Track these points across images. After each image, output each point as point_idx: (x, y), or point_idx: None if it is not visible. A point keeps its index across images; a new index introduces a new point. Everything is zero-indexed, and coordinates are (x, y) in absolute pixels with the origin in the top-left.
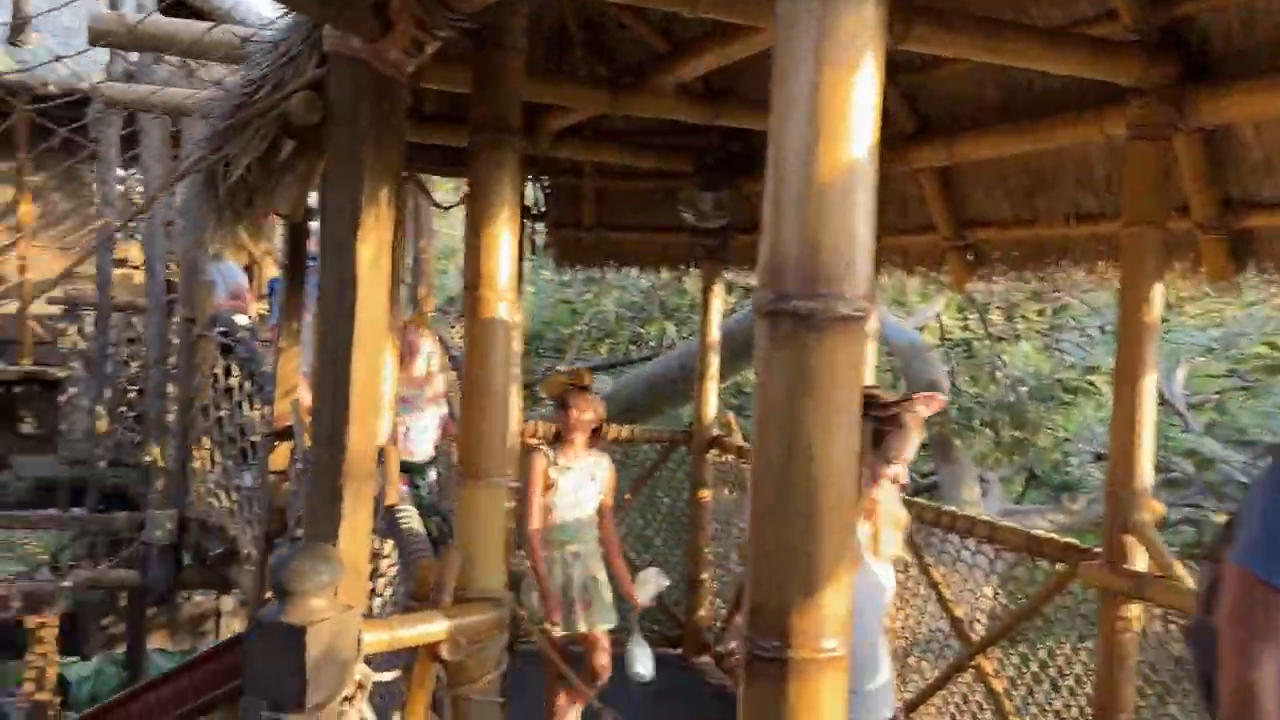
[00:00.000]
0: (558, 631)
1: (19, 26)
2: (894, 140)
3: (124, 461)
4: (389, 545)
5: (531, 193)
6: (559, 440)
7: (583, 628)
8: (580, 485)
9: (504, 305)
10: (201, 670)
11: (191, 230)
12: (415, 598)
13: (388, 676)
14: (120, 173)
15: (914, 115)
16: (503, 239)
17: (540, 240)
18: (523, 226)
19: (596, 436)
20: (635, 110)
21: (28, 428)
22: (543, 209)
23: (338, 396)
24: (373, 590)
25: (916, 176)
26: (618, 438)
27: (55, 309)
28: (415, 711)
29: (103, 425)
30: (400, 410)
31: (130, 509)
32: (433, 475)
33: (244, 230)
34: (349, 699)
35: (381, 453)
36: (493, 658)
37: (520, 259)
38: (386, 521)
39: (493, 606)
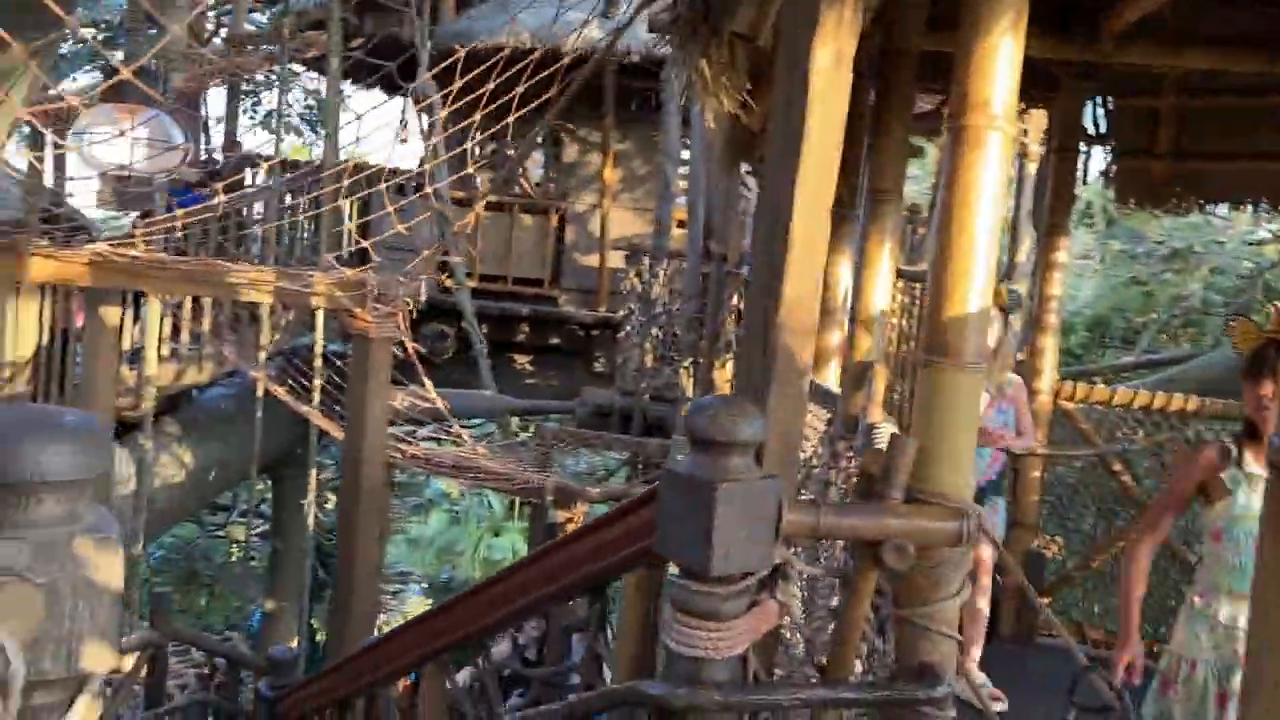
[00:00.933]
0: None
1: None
2: None
3: (663, 396)
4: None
5: (1091, 114)
6: (1250, 436)
7: None
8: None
9: (997, 137)
10: (622, 523)
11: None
12: (858, 494)
13: (815, 570)
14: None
15: None
16: (1000, 53)
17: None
18: (1077, 152)
19: None
20: None
21: (599, 366)
22: (1104, 133)
23: (774, 236)
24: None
25: None
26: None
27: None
28: (850, 622)
29: (649, 360)
30: None
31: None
32: (997, 506)
33: (708, 61)
34: (766, 583)
35: (869, 368)
36: (950, 581)
37: (1069, 188)
38: (864, 437)
39: (952, 515)
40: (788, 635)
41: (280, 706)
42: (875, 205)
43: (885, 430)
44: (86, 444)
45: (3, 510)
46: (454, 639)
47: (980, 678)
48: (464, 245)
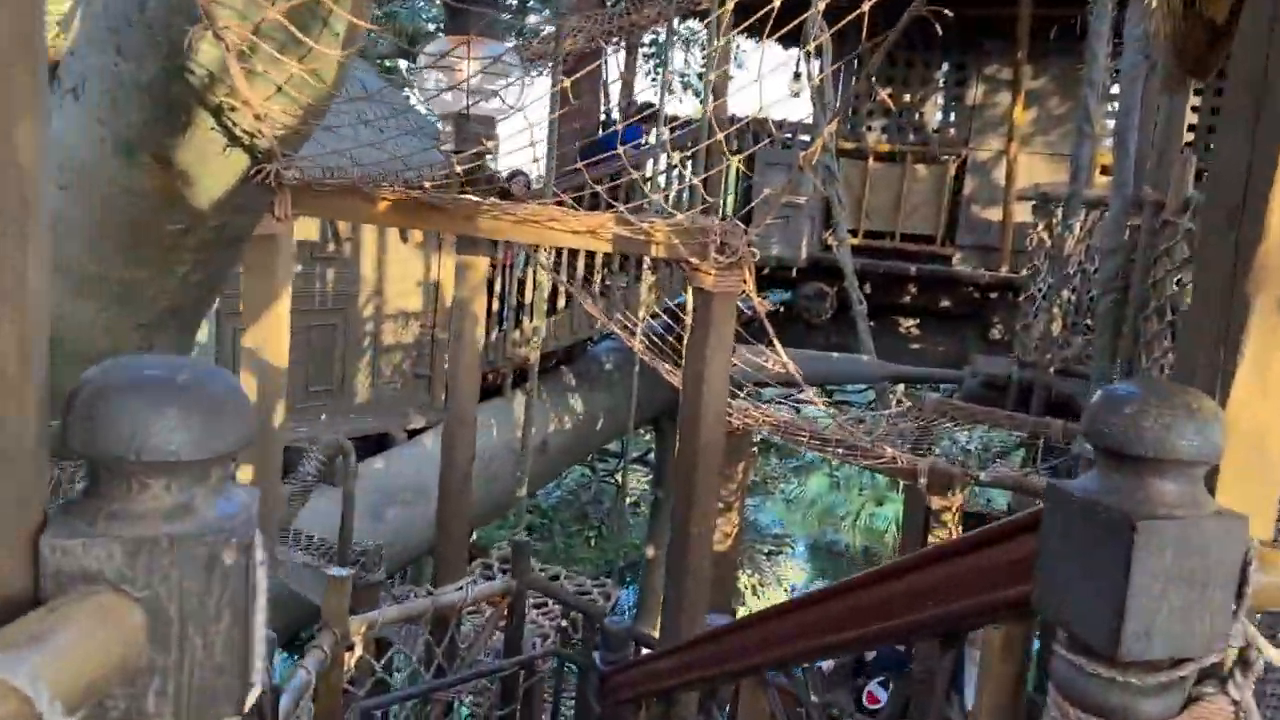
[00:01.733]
0: None
1: None
2: None
3: (1072, 370)
4: None
5: None
6: None
7: None
8: None
9: None
10: (985, 554)
11: None
12: None
13: None
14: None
15: None
16: None
17: None
18: None
19: None
20: None
21: (995, 333)
22: None
23: (1252, 141)
24: None
25: None
26: None
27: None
28: None
29: (1057, 327)
30: None
31: (1077, 419)
32: None
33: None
34: (1215, 671)
35: None
36: None
37: None
38: None
39: None
40: None
41: (610, 682)
42: None
43: None
44: (209, 412)
45: (93, 497)
46: (772, 657)
47: None
48: (839, 192)
